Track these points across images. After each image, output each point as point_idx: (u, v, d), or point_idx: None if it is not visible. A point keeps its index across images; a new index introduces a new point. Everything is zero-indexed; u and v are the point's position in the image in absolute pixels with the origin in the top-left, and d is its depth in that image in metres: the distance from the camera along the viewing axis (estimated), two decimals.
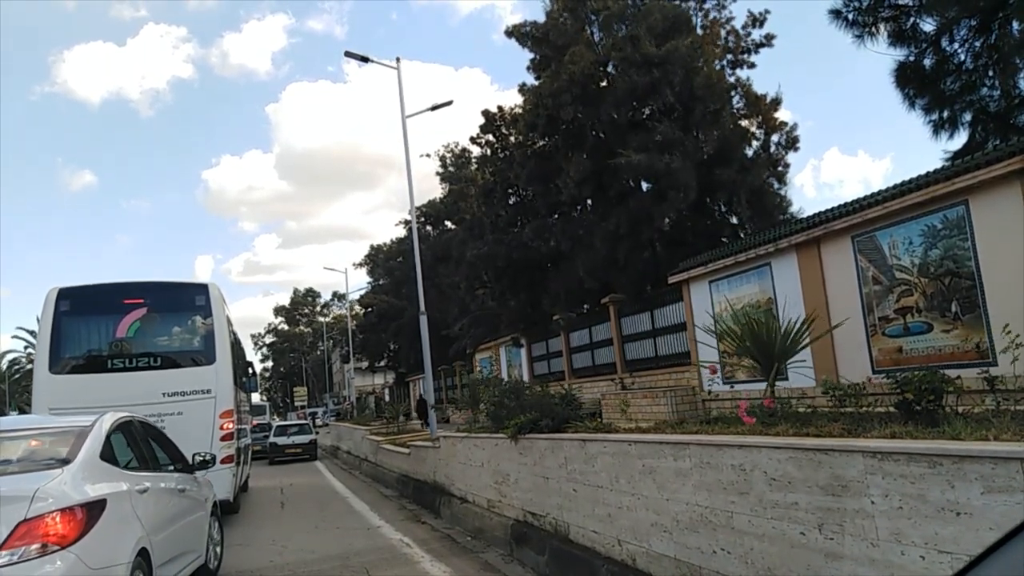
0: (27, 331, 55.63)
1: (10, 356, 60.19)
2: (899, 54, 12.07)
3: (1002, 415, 3.87)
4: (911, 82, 12.04)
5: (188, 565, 6.09)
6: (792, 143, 18.47)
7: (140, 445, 5.85)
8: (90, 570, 4.10)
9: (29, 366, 48.65)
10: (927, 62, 12.04)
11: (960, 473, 2.80)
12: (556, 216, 21.31)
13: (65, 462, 4.57)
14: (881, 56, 12.19)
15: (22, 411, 43.75)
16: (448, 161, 36.86)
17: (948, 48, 11.78)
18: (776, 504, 3.75)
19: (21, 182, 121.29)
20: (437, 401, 27.35)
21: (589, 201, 20.01)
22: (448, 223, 36.09)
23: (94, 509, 4.32)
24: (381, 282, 46.75)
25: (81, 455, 4.69)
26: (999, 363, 7.62)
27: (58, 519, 4.06)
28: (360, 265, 51.45)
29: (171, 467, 6.40)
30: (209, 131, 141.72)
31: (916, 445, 3.07)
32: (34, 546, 3.92)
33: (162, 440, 6.64)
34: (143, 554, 4.79)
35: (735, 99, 18.56)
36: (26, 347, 56.58)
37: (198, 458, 6.95)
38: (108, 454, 5.02)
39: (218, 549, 7.37)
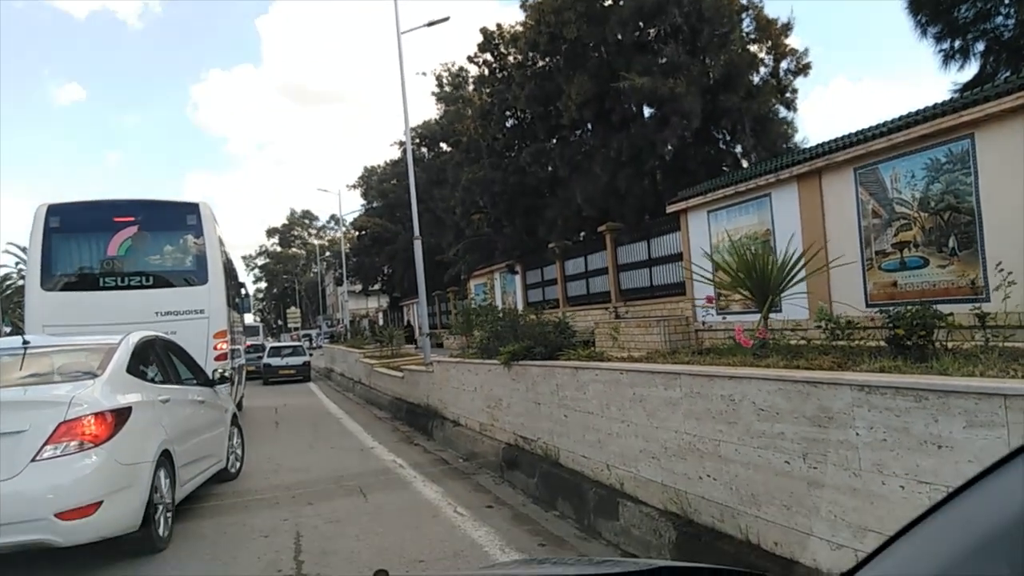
0: (18, 247, 55.28)
1: (1, 271, 59.96)
2: None
3: (990, 351, 3.90)
4: (924, 8, 11.65)
5: (209, 468, 6.86)
6: (803, 69, 17.97)
7: (163, 361, 6.48)
8: (120, 465, 4.80)
9: (20, 282, 48.61)
10: None
11: (944, 407, 2.82)
12: (555, 140, 20.93)
13: (96, 374, 5.22)
14: None
15: (16, 327, 43.95)
16: (445, 81, 35.99)
17: None
18: (763, 434, 3.81)
19: (4, 93, 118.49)
20: (431, 326, 27.55)
21: (590, 126, 19.63)
22: (444, 145, 35.50)
23: (122, 414, 4.96)
24: (375, 205, 46.31)
25: (110, 368, 5.32)
26: (992, 299, 7.65)
27: (92, 421, 4.71)
28: (353, 187, 50.91)
29: (192, 381, 7.00)
30: (199, 45, 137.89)
31: (903, 380, 3.08)
32: (73, 443, 4.59)
33: (183, 356, 7.21)
34: (166, 455, 5.48)
35: (745, 22, 17.94)
36: (17, 263, 56.33)
37: (217, 374, 7.72)
38: (134, 368, 5.66)
39: (239, 452, 8.10)
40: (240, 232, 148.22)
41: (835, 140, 10.65)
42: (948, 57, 11.73)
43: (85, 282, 10.24)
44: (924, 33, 11.77)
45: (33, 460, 4.45)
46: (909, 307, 4.34)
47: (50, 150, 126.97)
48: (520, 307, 20.06)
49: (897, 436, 3.02)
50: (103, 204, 10.80)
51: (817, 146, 11.34)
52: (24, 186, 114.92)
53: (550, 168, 21.06)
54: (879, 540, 2.57)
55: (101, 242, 10.37)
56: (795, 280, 5.67)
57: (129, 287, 10.27)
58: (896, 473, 3.03)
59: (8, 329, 49.37)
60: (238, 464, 8.01)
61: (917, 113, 9.21)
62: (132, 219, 10.50)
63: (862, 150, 9.70)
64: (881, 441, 3.09)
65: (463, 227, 27.42)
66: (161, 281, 10.47)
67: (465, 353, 9.98)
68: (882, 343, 4.40)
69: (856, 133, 10.29)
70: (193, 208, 10.92)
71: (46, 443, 4.51)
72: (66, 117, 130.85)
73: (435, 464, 8.41)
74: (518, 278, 24.00)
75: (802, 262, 5.71)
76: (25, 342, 5.66)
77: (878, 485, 3.11)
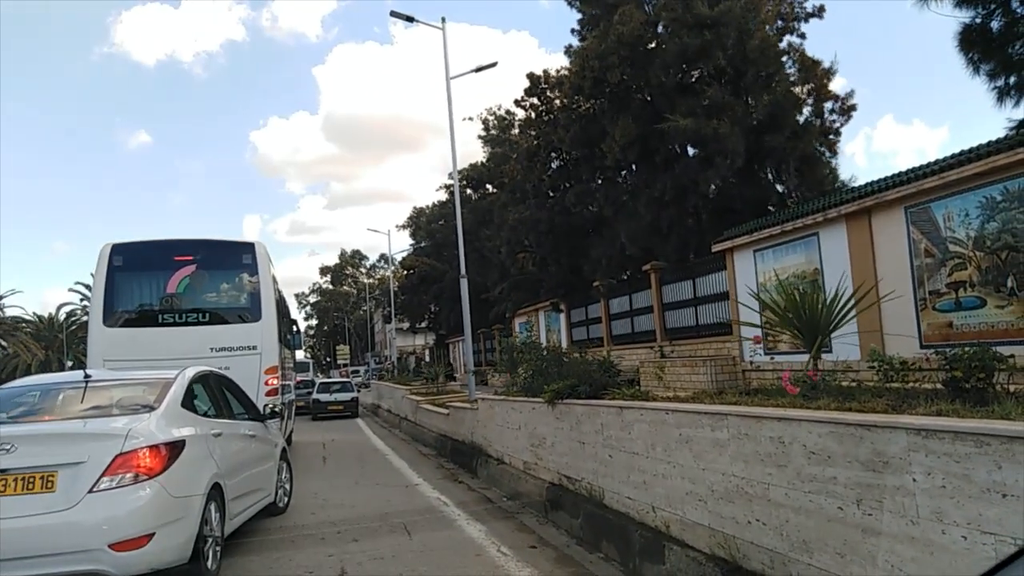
0: (84, 285, 57.60)
1: (67, 308, 62.46)
2: (964, 16, 11.48)
3: None
4: (976, 46, 11.46)
5: (258, 502, 6.93)
6: (846, 111, 17.78)
7: (216, 395, 6.57)
8: (172, 498, 4.86)
9: (85, 318, 50.43)
10: (995, 24, 11.45)
11: (1008, 454, 2.72)
12: (600, 181, 21.04)
13: (152, 408, 5.32)
14: (944, 19, 11.64)
15: (79, 361, 45.49)
16: (491, 124, 36.62)
17: (1019, 10, 11.17)
18: (814, 478, 3.71)
19: (80, 140, 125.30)
20: (476, 364, 27.62)
21: (634, 166, 19.70)
22: (490, 187, 35.99)
23: (175, 448, 5.05)
24: (423, 244, 47.10)
25: (165, 402, 5.44)
26: None
27: (147, 454, 4.79)
28: (402, 227, 51.98)
29: (244, 416, 7.10)
30: (258, 93, 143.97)
31: (963, 424, 2.99)
32: (128, 475, 4.67)
33: (236, 391, 7.32)
34: (216, 488, 5.55)
35: (788, 65, 17.90)
36: (82, 299, 58.65)
37: (268, 409, 7.85)
38: (188, 402, 5.79)
39: (287, 486, 8.18)
40: (294, 270, 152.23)
41: (885, 179, 10.50)
42: (1003, 94, 11.47)
43: (145, 318, 10.60)
44: (976, 70, 11.54)
45: (90, 491, 4.53)
46: (966, 348, 4.22)
47: (118, 192, 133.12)
48: (564, 345, 20.00)
49: (957, 483, 2.92)
50: (163, 243, 11.22)
51: (866, 185, 11.18)
52: (95, 226, 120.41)
53: (594, 208, 21.13)
54: None
55: (161, 280, 10.75)
56: (845, 320, 5.56)
57: (186, 323, 10.60)
58: (957, 522, 2.92)
59: (70, 363, 51.23)
60: (286, 499, 8.09)
61: (971, 151, 9.03)
62: (191, 258, 10.87)
63: (913, 188, 9.53)
64: (940, 488, 2.99)
65: (508, 266, 27.59)
66: (216, 318, 10.78)
67: (509, 391, 9.97)
68: (938, 386, 4.28)
69: (907, 172, 10.13)
70: (249, 247, 11.26)
71: (103, 474, 4.58)
72: (134, 161, 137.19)
73: (479, 502, 8.36)
74: (563, 316, 23.97)
75: (852, 301, 5.60)
76: (87, 376, 5.86)
77: (938, 534, 3.00)
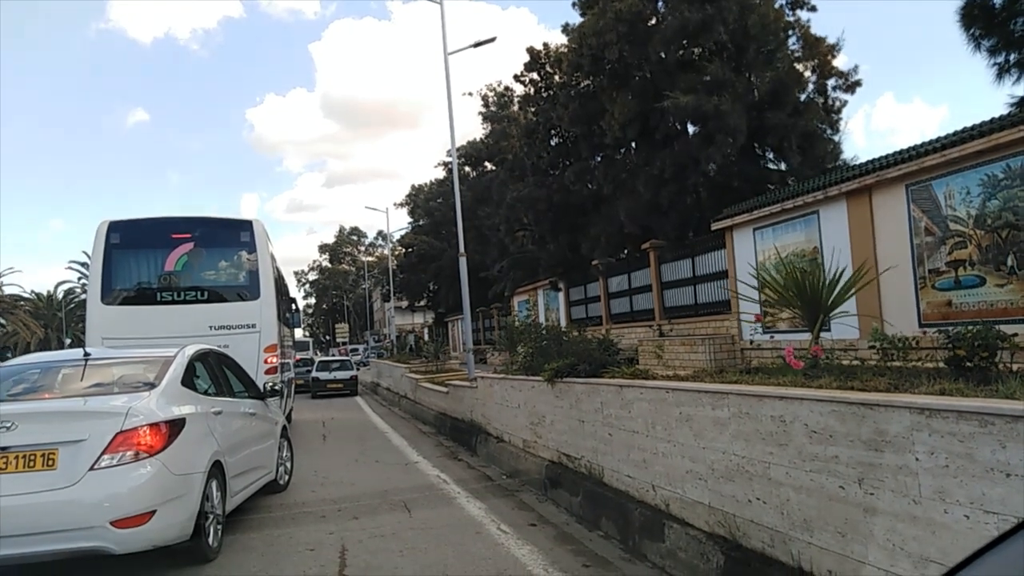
0: (80, 264, 57.50)
1: (65, 286, 62.42)
2: None
3: None
4: (978, 22, 11.38)
5: (259, 479, 6.96)
6: (850, 88, 17.60)
7: (216, 373, 6.59)
8: (173, 475, 4.88)
9: (83, 296, 50.38)
10: (997, 1, 11.35)
11: (1013, 433, 2.71)
12: (599, 159, 20.91)
13: (152, 386, 5.34)
14: None
15: (78, 340, 45.51)
16: (490, 100, 36.22)
17: None
18: (815, 457, 3.71)
19: (76, 117, 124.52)
20: (475, 342, 27.65)
21: (633, 144, 19.56)
22: (488, 164, 35.75)
23: (175, 426, 5.06)
24: (421, 223, 46.92)
25: (165, 380, 5.45)
26: None
27: (147, 432, 4.80)
28: (401, 205, 51.81)
29: (244, 394, 7.12)
30: (255, 70, 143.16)
31: (967, 403, 2.97)
32: (129, 452, 4.69)
33: (236, 369, 7.35)
34: (217, 465, 5.57)
35: (792, 40, 17.68)
36: (79, 278, 58.58)
37: (268, 387, 7.89)
38: (188, 380, 5.79)
39: (288, 464, 8.24)
40: (292, 249, 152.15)
41: (886, 156, 10.43)
42: (1003, 70, 11.42)
43: (143, 296, 10.56)
44: (978, 47, 11.48)
45: (91, 469, 4.53)
46: (969, 327, 4.20)
47: (116, 170, 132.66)
48: (563, 324, 20.00)
49: (960, 462, 2.91)
50: (161, 221, 11.15)
51: (867, 162, 11.11)
52: (92, 205, 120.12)
53: (593, 186, 21.04)
54: (941, 571, 2.47)
55: (159, 258, 10.69)
56: (847, 297, 5.53)
57: (185, 301, 10.56)
58: (960, 501, 2.91)
59: (69, 341, 51.31)
60: (287, 476, 8.13)
61: (972, 128, 8.96)
62: (189, 235, 10.81)
63: (914, 166, 9.47)
64: (943, 467, 2.98)
65: (507, 244, 27.53)
66: (215, 296, 10.74)
67: (509, 369, 9.97)
68: (940, 365, 4.26)
69: (908, 149, 10.06)
70: (247, 225, 11.20)
71: (104, 452, 4.59)
72: (131, 140, 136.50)
73: (479, 480, 8.41)
74: (561, 295, 23.96)
75: (852, 279, 5.57)
76: (86, 354, 5.86)
77: (940, 513, 3.00)
